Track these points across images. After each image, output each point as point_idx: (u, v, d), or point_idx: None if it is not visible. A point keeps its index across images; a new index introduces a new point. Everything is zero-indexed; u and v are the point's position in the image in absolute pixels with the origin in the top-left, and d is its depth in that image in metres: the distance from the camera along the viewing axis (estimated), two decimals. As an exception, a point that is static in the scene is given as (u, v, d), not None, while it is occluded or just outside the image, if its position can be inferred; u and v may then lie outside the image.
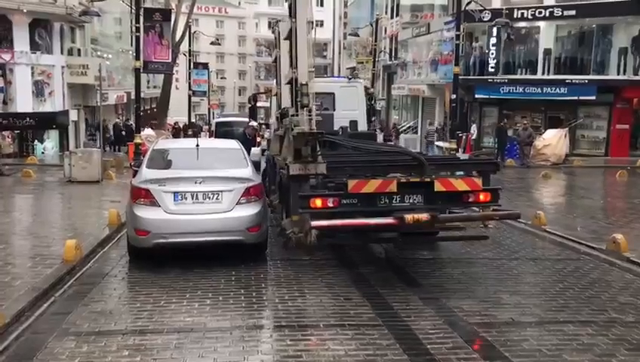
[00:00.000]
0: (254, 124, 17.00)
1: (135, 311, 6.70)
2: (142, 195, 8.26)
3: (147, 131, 26.96)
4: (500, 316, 6.61)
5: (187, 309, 6.68)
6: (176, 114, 47.14)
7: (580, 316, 6.64)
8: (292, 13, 8.80)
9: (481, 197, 8.02)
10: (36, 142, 28.73)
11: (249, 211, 8.36)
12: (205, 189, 8.24)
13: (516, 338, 5.93)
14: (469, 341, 5.83)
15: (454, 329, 6.14)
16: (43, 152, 28.27)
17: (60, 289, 7.38)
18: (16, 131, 27.85)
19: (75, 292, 7.32)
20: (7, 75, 26.90)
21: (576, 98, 26.65)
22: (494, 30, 27.80)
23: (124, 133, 29.90)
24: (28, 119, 26.75)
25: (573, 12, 27.25)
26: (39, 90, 28.61)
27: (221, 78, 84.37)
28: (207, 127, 39.32)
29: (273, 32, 11.87)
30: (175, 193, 8.20)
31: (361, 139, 10.57)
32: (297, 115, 8.38)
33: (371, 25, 37.94)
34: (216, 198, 8.27)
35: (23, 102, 27.31)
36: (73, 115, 31.11)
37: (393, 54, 43.60)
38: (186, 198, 8.22)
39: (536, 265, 9.13)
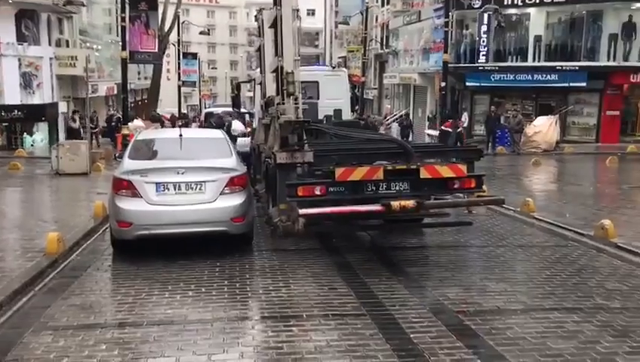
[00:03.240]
0: (239, 124, 17.02)
1: (115, 304, 6.60)
2: (124, 186, 8.14)
3: (136, 122, 26.71)
4: (486, 304, 6.55)
5: (169, 301, 6.58)
6: (168, 105, 46.87)
7: (565, 303, 6.57)
8: (277, 0, 8.68)
9: (466, 183, 8.00)
10: (25, 134, 28.46)
11: (233, 201, 8.25)
12: (188, 180, 8.12)
13: (501, 326, 5.85)
14: (454, 330, 5.76)
15: (439, 318, 6.06)
16: (32, 145, 28.02)
17: (41, 282, 7.26)
18: (4, 124, 27.64)
19: (55, 286, 7.20)
20: (-7, 67, 26.56)
21: (566, 85, 26.63)
22: (484, 17, 27.66)
23: (113, 124, 29.50)
24: (16, 111, 26.55)
25: (563, -2, 27.18)
26: (27, 81, 28.30)
27: (212, 68, 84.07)
28: (199, 117, 39.04)
29: (257, 21, 11.72)
30: (157, 184, 8.08)
31: (346, 128, 10.48)
32: (283, 104, 8.30)
33: (362, 13, 37.71)
34: (199, 189, 8.15)
35: (11, 94, 27.00)
36: (62, 107, 30.82)
37: (384, 43, 43.42)
38: (168, 189, 8.10)
39: (524, 251, 9.07)
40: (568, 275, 7.68)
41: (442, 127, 16.59)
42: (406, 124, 22.85)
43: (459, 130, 17.11)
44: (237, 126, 17.02)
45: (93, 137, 24.75)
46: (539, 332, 5.70)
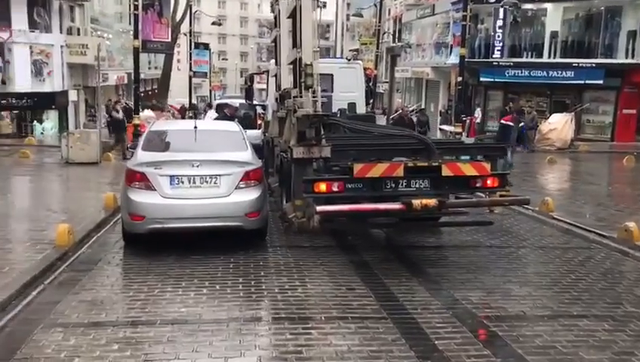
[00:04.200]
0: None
1: (127, 301, 6.39)
2: (137, 179, 7.93)
3: (147, 112, 26.54)
4: (511, 309, 6.29)
5: (182, 299, 6.37)
6: (178, 95, 46.70)
7: (594, 309, 6.31)
8: (297, -10, 8.42)
9: (489, 182, 7.77)
10: (35, 122, 28.40)
11: (248, 196, 8.02)
12: (203, 173, 7.89)
13: (529, 334, 5.61)
14: (479, 336, 5.52)
15: (463, 324, 5.82)
16: (42, 133, 27.95)
17: (51, 276, 7.06)
18: (14, 111, 27.57)
19: (65, 280, 7.00)
20: (5, 54, 26.40)
21: (582, 82, 26.17)
22: (500, 12, 27.23)
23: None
24: (26, 99, 26.50)
25: (581, -6, 26.72)
26: (38, 69, 28.16)
27: (223, 59, 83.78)
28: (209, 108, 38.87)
29: (273, 11, 11.44)
30: (171, 177, 7.86)
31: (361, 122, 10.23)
32: (301, 97, 8.05)
33: (375, 6, 37.27)
34: (214, 182, 7.93)
35: (22, 81, 26.90)
36: (73, 96, 30.73)
37: (397, 36, 42.99)
38: (182, 182, 7.88)
39: (546, 253, 8.80)
40: (594, 279, 7.42)
41: (502, 121, 15.42)
42: (423, 120, 22.44)
43: (521, 124, 15.84)
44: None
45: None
46: (569, 341, 5.45)
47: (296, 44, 8.57)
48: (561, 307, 6.41)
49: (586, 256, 8.56)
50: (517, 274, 7.58)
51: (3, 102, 25.71)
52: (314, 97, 8.00)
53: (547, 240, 9.67)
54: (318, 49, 8.42)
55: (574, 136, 25.14)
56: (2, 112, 26.80)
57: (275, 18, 11.41)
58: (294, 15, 8.69)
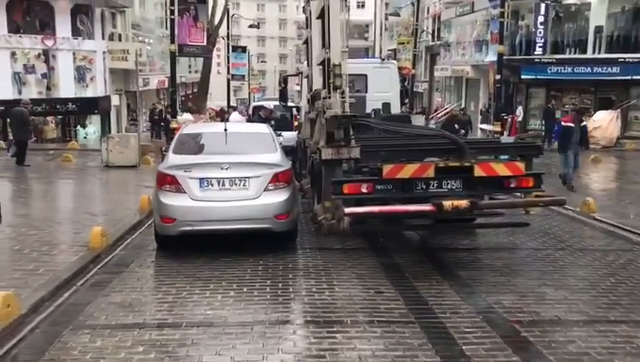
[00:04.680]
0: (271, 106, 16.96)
1: (155, 303, 6.43)
2: (167, 181, 8.00)
3: (185, 116, 26.91)
4: (544, 313, 6.08)
5: (209, 301, 6.38)
6: (218, 98, 47.23)
7: (634, 315, 6.04)
8: (325, -10, 8.36)
9: (524, 182, 7.51)
10: (78, 127, 29.16)
11: (277, 198, 8.00)
12: (232, 175, 7.91)
13: (562, 340, 5.39)
14: (510, 341, 5.33)
15: (493, 328, 5.65)
16: (85, 137, 28.65)
17: (83, 278, 7.17)
18: (59, 116, 28.37)
19: (97, 282, 7.10)
20: (50, 60, 27.21)
21: (629, 78, 25.31)
22: (542, 7, 26.57)
23: (156, 117, 29.31)
24: (70, 104, 27.26)
25: (627, -14, 25.84)
26: (81, 75, 28.93)
27: (261, 61, 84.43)
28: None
29: (304, 12, 11.43)
30: (201, 179, 7.90)
31: (395, 122, 10.10)
32: (330, 98, 8.00)
33: (413, 4, 36.94)
34: (243, 185, 7.93)
35: (66, 87, 27.69)
36: (115, 100, 31.44)
37: (436, 35, 42.48)
38: (212, 185, 7.91)
39: (585, 256, 8.49)
40: (635, 283, 7.11)
41: (562, 123, 14.48)
42: (465, 120, 22.03)
43: (583, 124, 14.89)
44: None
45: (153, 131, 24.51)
46: (605, 347, 5.22)
47: (324, 44, 8.51)
48: (598, 312, 6.17)
49: (627, 259, 8.22)
50: (553, 277, 7.32)
51: (48, 107, 26.48)
52: (342, 98, 7.93)
53: (587, 241, 9.35)
54: (347, 49, 8.34)
55: (620, 134, 24.33)
56: (47, 118, 27.58)
57: (307, 19, 11.39)
58: (323, 15, 8.63)
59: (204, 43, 24.30)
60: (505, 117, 24.30)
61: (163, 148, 18.05)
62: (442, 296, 6.61)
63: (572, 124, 13.96)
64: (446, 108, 34.81)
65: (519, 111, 28.01)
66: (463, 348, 5.21)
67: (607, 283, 7.12)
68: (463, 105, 32.17)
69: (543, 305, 6.34)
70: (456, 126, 17.09)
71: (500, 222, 8.82)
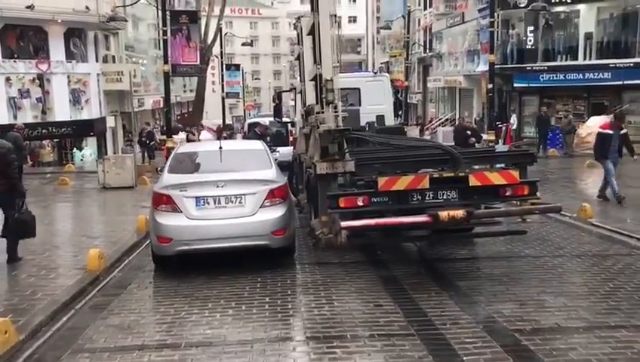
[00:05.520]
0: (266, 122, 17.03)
1: (154, 324, 6.40)
2: (163, 201, 8.00)
3: (181, 135, 26.96)
4: (544, 321, 6.06)
5: (208, 321, 6.35)
6: (214, 116, 47.36)
7: (634, 320, 6.03)
8: (314, 7, 8.43)
9: (519, 190, 7.53)
10: (75, 149, 29.19)
11: (274, 214, 8.00)
12: (227, 193, 7.91)
13: (562, 347, 5.38)
14: (510, 351, 5.31)
15: (494, 338, 5.63)
16: (82, 159, 28.68)
17: (81, 301, 7.15)
18: (55, 140, 28.41)
19: (95, 304, 7.07)
20: (44, 84, 27.35)
21: (621, 82, 25.46)
22: (531, 16, 26.80)
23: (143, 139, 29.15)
24: (66, 127, 27.31)
25: (614, -7, 26.10)
26: (76, 98, 29.07)
27: (256, 78, 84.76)
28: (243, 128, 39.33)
29: (295, 29, 11.51)
30: (197, 198, 7.90)
31: (389, 135, 10.15)
32: (323, 112, 8.02)
33: (403, 17, 37.23)
34: (239, 202, 7.94)
35: (61, 110, 27.81)
36: (110, 122, 31.53)
37: (428, 46, 42.77)
38: (208, 203, 7.91)
39: (583, 262, 8.49)
40: (634, 288, 7.10)
41: (599, 130, 13.78)
42: (476, 129, 22.12)
43: (623, 131, 13.41)
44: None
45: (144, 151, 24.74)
46: (605, 353, 5.20)
47: (316, 60, 8.56)
48: (598, 318, 6.16)
49: (625, 263, 8.22)
50: (552, 285, 7.31)
51: (44, 131, 26.53)
52: (335, 112, 7.95)
53: (585, 247, 9.35)
54: (338, 64, 8.37)
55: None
56: (43, 141, 27.62)
57: (298, 35, 11.46)
58: (313, 32, 8.68)
59: (198, 62, 24.43)
60: (499, 125, 24.40)
61: (158, 168, 18.10)
62: (442, 307, 6.59)
63: (610, 131, 12.97)
64: (440, 119, 34.98)
65: (513, 119, 28.16)
66: (464, 359, 5.19)
67: (606, 289, 7.11)
68: (457, 115, 32.34)
69: (543, 312, 6.33)
70: (468, 133, 16.91)
71: (497, 230, 8.83)
